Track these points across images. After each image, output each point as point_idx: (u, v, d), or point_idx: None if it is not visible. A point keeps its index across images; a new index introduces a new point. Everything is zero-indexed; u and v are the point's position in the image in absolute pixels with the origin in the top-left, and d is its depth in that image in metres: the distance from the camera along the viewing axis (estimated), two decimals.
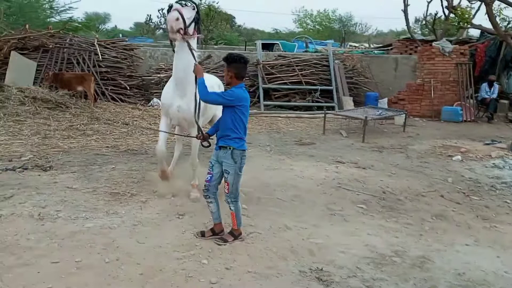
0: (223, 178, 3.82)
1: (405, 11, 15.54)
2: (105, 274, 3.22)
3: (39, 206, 4.36)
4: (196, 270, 3.34)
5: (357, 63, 13.41)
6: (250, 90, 11.84)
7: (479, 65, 13.15)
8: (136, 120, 9.23)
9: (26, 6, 16.43)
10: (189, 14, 4.34)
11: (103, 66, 11.33)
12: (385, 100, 12.32)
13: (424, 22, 20.22)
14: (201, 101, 4.11)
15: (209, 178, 3.86)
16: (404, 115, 10.04)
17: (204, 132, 4.13)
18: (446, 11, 14.87)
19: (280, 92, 12.33)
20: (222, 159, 3.76)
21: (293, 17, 59.10)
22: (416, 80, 12.26)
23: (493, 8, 12.14)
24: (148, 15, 38.74)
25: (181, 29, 4.27)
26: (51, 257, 3.40)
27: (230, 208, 3.85)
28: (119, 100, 11.02)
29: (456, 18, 13.67)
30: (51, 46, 11.16)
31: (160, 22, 27.68)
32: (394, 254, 3.83)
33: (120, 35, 25.44)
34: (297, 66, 12.43)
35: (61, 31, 12.14)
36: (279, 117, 10.97)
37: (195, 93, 4.15)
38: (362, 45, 25.42)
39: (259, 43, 14.44)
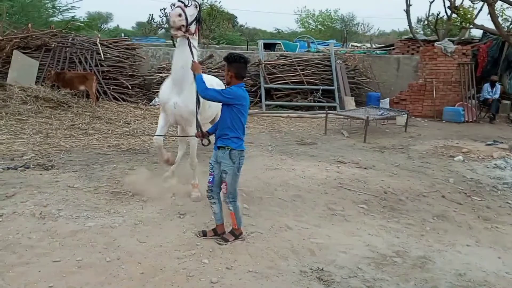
0: (221, 178, 3.82)
1: (407, 11, 15.53)
2: (106, 273, 3.22)
3: (41, 205, 4.37)
4: (197, 269, 3.35)
5: (359, 63, 13.39)
6: (252, 90, 11.87)
7: (481, 65, 13.10)
8: (137, 120, 9.24)
9: (28, 5, 16.48)
10: (191, 12, 4.35)
11: (105, 65, 11.36)
12: (387, 100, 12.32)
13: (426, 22, 20.22)
14: (200, 98, 4.11)
15: (211, 179, 3.87)
16: (406, 115, 10.04)
17: (204, 131, 4.13)
18: (449, 11, 14.84)
19: (281, 92, 12.33)
20: (221, 159, 3.76)
21: (295, 17, 59.30)
22: (418, 80, 12.24)
23: (495, 8, 12.13)
24: (150, 14, 38.76)
25: (183, 26, 4.28)
26: (52, 256, 3.41)
27: (229, 208, 3.84)
28: (121, 100, 11.03)
29: (458, 18, 13.65)
30: (53, 45, 11.20)
31: (162, 21, 27.64)
32: (395, 255, 3.83)
33: (122, 35, 25.38)
34: (299, 66, 12.43)
35: (63, 30, 12.21)
36: (281, 117, 10.98)
37: (196, 90, 4.15)
38: (364, 45, 25.35)
39: (261, 43, 14.46)
